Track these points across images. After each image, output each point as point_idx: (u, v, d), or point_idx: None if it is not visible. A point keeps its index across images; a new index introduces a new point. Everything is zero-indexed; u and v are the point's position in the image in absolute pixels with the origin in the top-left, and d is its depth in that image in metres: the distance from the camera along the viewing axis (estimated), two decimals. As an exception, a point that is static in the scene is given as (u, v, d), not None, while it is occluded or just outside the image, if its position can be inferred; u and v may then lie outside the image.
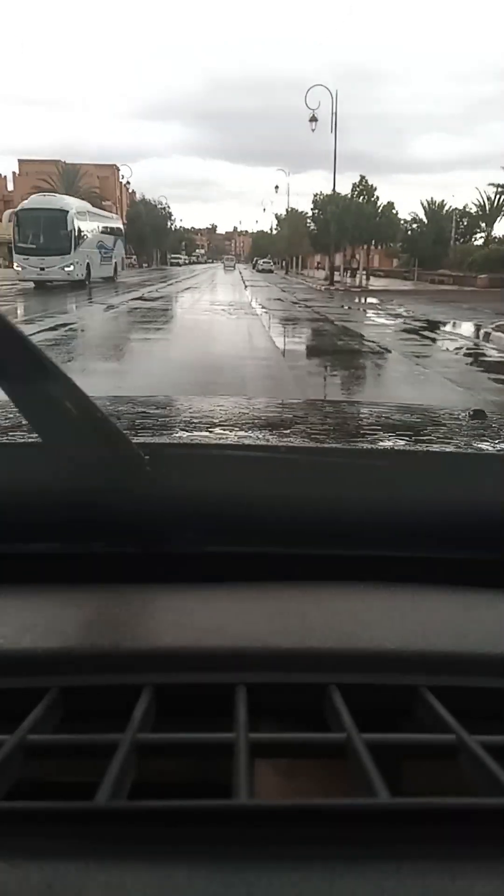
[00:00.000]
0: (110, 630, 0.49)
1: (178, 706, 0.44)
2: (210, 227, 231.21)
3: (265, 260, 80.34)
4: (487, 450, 1.04)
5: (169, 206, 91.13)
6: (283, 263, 79.83)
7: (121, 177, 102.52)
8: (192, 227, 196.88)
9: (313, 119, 35.52)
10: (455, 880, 0.29)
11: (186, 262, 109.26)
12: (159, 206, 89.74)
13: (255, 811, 0.32)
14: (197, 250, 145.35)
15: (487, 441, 1.12)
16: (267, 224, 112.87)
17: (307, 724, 0.42)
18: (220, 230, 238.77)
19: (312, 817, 0.32)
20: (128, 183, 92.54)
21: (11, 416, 1.04)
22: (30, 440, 0.74)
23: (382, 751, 0.36)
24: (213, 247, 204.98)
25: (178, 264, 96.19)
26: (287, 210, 76.13)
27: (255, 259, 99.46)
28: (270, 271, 73.32)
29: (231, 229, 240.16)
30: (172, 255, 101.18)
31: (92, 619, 0.52)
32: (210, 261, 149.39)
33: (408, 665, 0.46)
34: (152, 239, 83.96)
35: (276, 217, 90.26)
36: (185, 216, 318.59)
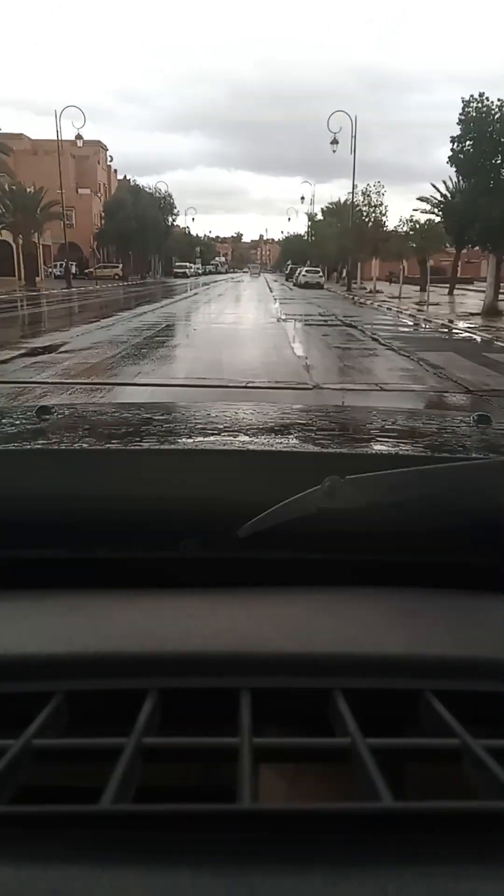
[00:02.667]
0: (115, 635, 0.48)
1: (182, 710, 0.43)
2: (235, 235, 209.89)
3: (311, 268, 48.48)
4: (492, 455, 1.00)
5: (171, 196, 62.13)
6: (340, 273, 50.19)
7: (108, 158, 74.72)
8: (217, 236, 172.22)
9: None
10: (459, 884, 0.28)
11: (199, 271, 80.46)
12: (157, 194, 60.83)
13: (259, 815, 0.31)
14: (216, 258, 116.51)
15: (492, 446, 1.09)
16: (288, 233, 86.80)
17: (311, 728, 0.41)
18: (246, 239, 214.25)
19: (316, 821, 0.31)
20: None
21: (17, 423, 1.07)
22: (34, 447, 0.80)
23: (386, 755, 0.35)
24: (237, 255, 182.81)
25: (184, 275, 67.43)
26: (331, 203, 47.89)
27: (288, 265, 69.82)
28: (319, 286, 43.48)
29: (256, 238, 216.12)
30: (177, 263, 72.41)
31: (97, 623, 0.50)
32: (233, 270, 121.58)
33: (412, 669, 0.44)
34: (145, 239, 54.87)
35: (311, 218, 63.25)
36: (211, 225, 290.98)
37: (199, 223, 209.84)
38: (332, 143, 37.21)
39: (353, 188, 39.02)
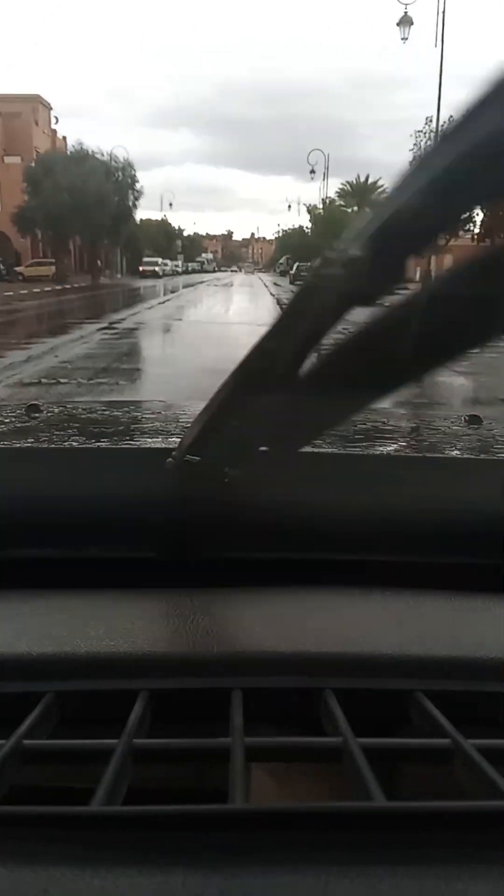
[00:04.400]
0: (106, 635, 0.47)
1: (173, 711, 0.42)
2: (226, 233, 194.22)
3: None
4: (483, 455, 1.01)
5: (132, 167, 43.63)
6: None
7: (52, 120, 56.06)
8: (207, 233, 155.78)
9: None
10: (450, 884, 0.28)
11: (177, 269, 62.38)
12: (114, 163, 42.42)
13: (251, 816, 0.31)
14: (203, 255, 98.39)
15: (484, 446, 1.09)
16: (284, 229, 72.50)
17: (303, 728, 0.41)
18: (237, 237, 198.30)
19: (308, 821, 0.30)
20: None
21: (7, 421, 1.06)
22: (23, 445, 0.80)
23: (378, 755, 0.35)
24: (228, 253, 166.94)
25: (154, 274, 49.18)
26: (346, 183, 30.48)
27: (292, 263, 51.78)
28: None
29: (248, 236, 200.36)
30: (146, 259, 54.05)
31: (87, 623, 0.49)
32: (222, 269, 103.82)
33: (404, 669, 0.44)
34: (88, 223, 36.71)
35: (310, 211, 50.23)
36: (201, 223, 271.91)
37: (189, 220, 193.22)
38: (399, 23, 19.14)
39: (438, 110, 20.19)
